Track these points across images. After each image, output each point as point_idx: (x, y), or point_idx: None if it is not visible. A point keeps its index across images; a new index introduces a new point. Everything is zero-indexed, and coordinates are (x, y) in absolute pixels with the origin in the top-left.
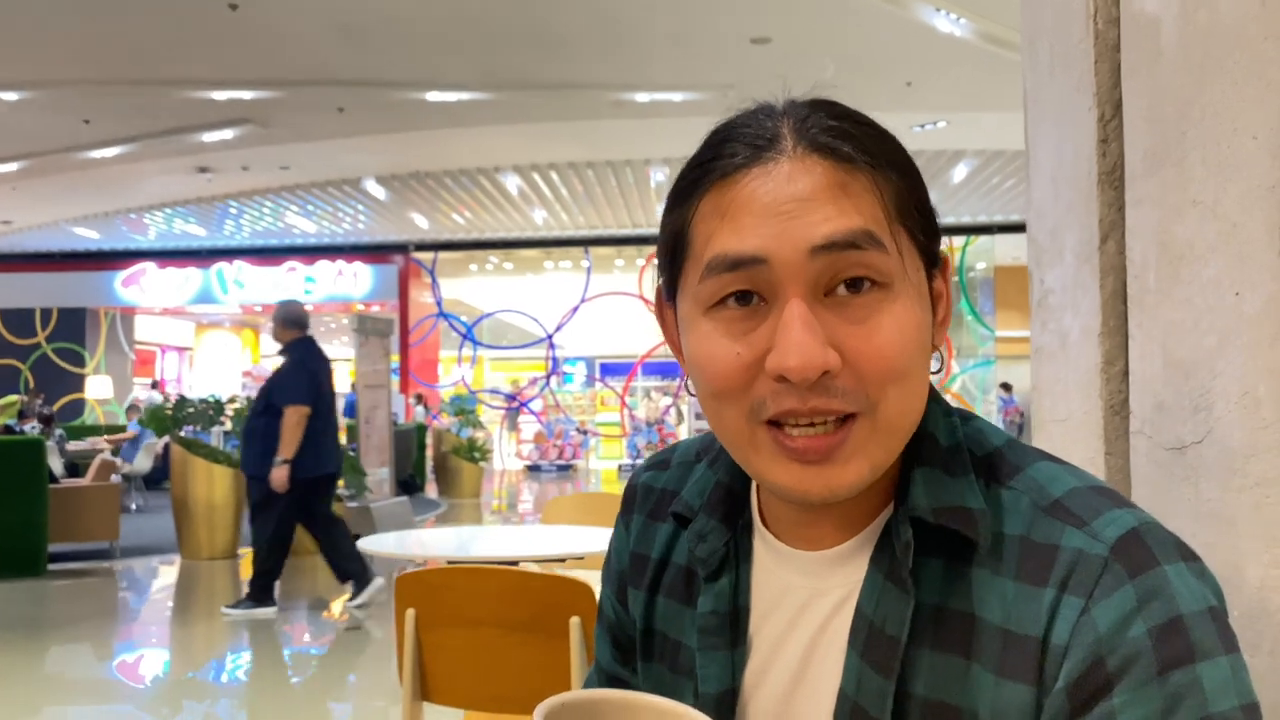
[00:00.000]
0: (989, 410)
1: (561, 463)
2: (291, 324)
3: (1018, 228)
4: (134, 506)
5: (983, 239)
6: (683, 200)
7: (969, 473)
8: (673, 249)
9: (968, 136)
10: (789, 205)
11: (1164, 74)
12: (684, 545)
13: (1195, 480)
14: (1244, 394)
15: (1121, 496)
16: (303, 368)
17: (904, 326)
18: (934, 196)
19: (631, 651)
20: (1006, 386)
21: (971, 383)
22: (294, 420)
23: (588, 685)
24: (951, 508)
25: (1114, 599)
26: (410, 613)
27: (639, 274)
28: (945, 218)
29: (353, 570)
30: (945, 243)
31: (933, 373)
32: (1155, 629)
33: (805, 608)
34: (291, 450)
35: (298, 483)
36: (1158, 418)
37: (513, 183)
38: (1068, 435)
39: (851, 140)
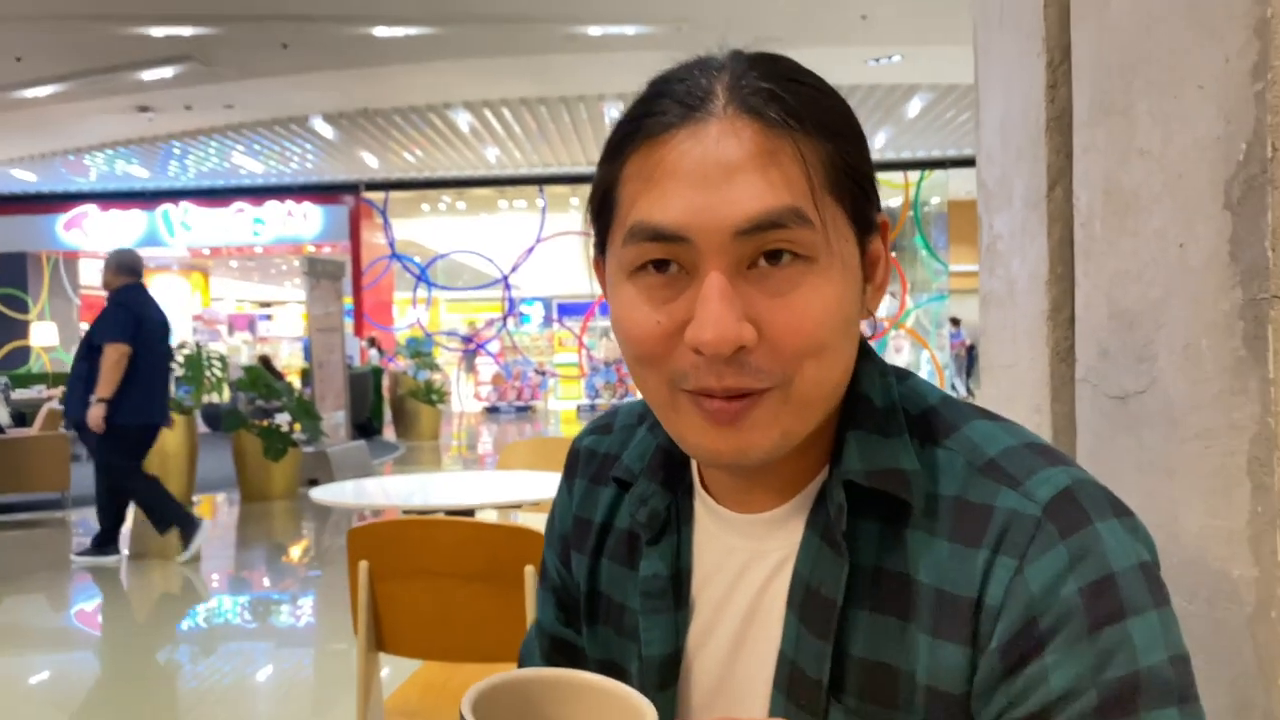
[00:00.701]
0: (941, 343)
1: (520, 404)
2: (124, 270)
3: (971, 162)
4: (85, 455)
5: (937, 173)
6: (612, 156)
7: (903, 433)
8: (601, 206)
9: (922, 70)
10: (714, 171)
11: (1112, 21)
12: (626, 509)
13: (1138, 430)
14: (1186, 346)
15: (1057, 453)
16: (125, 309)
17: (824, 300)
18: (889, 132)
19: (576, 613)
20: (955, 321)
21: (925, 317)
22: (113, 358)
23: (528, 646)
24: (884, 470)
25: (1046, 558)
26: (363, 565)
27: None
28: (900, 152)
29: (174, 518)
30: (901, 177)
31: (881, 333)
32: (1087, 587)
33: (745, 570)
34: (109, 389)
35: (128, 430)
36: (1102, 366)
37: (464, 120)
38: (1015, 381)
39: (781, 102)
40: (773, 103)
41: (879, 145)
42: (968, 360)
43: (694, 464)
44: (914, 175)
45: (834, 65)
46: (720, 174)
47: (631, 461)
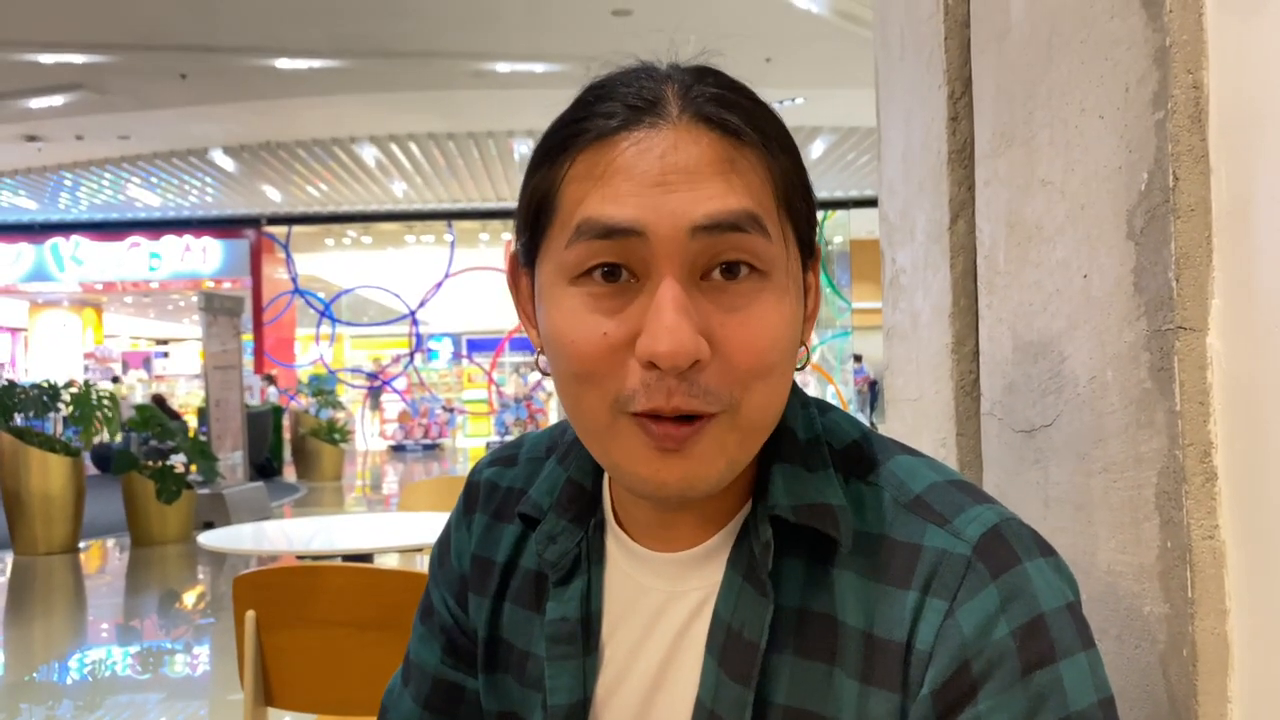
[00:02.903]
0: (845, 378)
1: (428, 442)
2: None
3: (873, 202)
4: None
5: (839, 213)
6: (551, 159)
7: (828, 467)
8: (537, 211)
9: (825, 112)
10: (672, 176)
11: (1012, 52)
12: (533, 548)
13: (1045, 463)
14: (1092, 378)
15: (979, 490)
16: None
17: (778, 319)
18: None
19: (468, 656)
20: (858, 357)
21: (830, 353)
22: None
23: (393, 697)
24: (811, 505)
25: (977, 600)
26: (250, 614)
27: (505, 248)
28: None
29: None
30: None
31: (797, 368)
32: (1018, 630)
33: (662, 612)
34: None
35: None
36: (1008, 399)
37: (370, 154)
38: (920, 415)
39: (740, 112)
40: (731, 112)
41: None
42: (871, 395)
43: (607, 499)
44: (818, 215)
45: None
46: (680, 179)
47: (539, 496)
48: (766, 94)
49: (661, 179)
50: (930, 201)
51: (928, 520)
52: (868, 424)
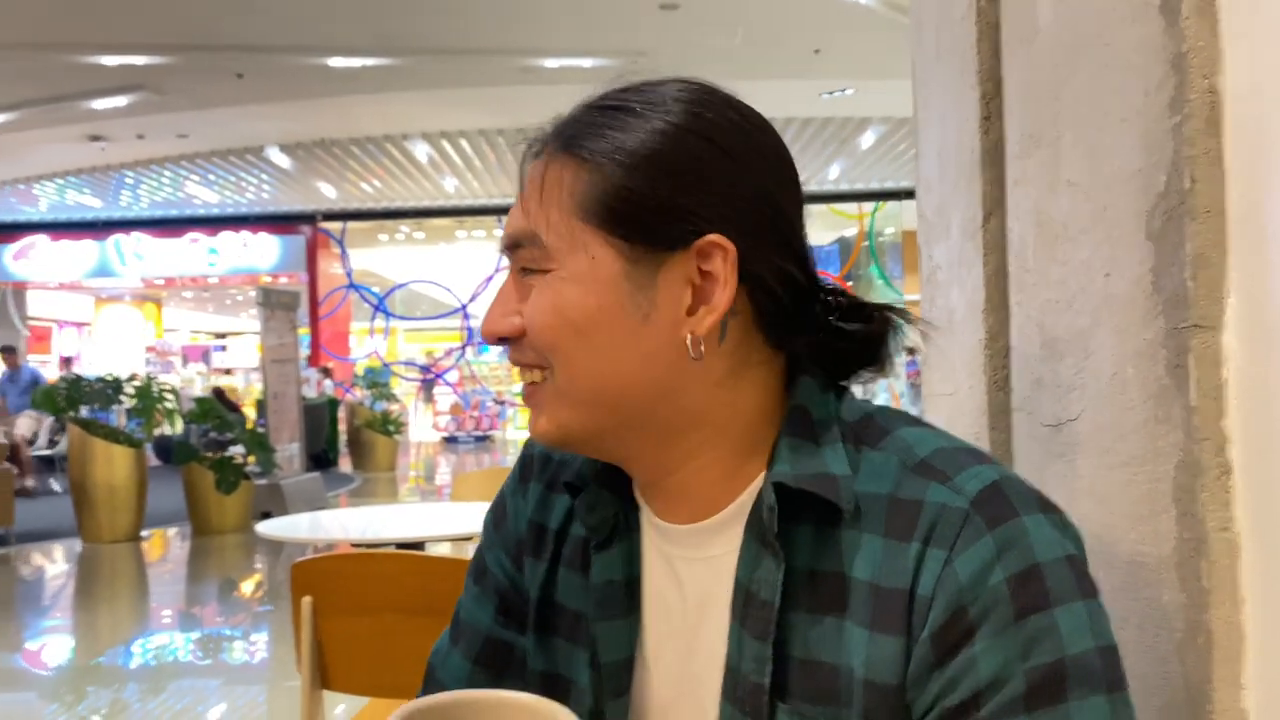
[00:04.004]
0: (897, 373)
1: (479, 434)
2: None
3: None
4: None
5: (891, 204)
6: None
7: (838, 441)
8: None
9: (874, 103)
10: (516, 201)
11: (1040, 55)
12: (578, 515)
13: (1070, 457)
14: (1113, 375)
15: (987, 455)
16: None
17: (556, 306)
18: (842, 164)
19: (519, 616)
20: (911, 350)
21: None
22: None
23: (441, 655)
24: (814, 474)
25: (974, 549)
26: (306, 600)
27: None
28: (854, 184)
29: None
30: (855, 208)
31: (693, 358)
32: (1013, 577)
33: (689, 582)
34: None
35: None
36: (1036, 395)
37: (422, 150)
38: (954, 409)
39: (571, 134)
40: (563, 133)
41: (833, 176)
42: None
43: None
44: (868, 206)
45: (787, 98)
46: (517, 200)
47: (582, 466)
48: (815, 85)
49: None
50: (965, 199)
51: (930, 479)
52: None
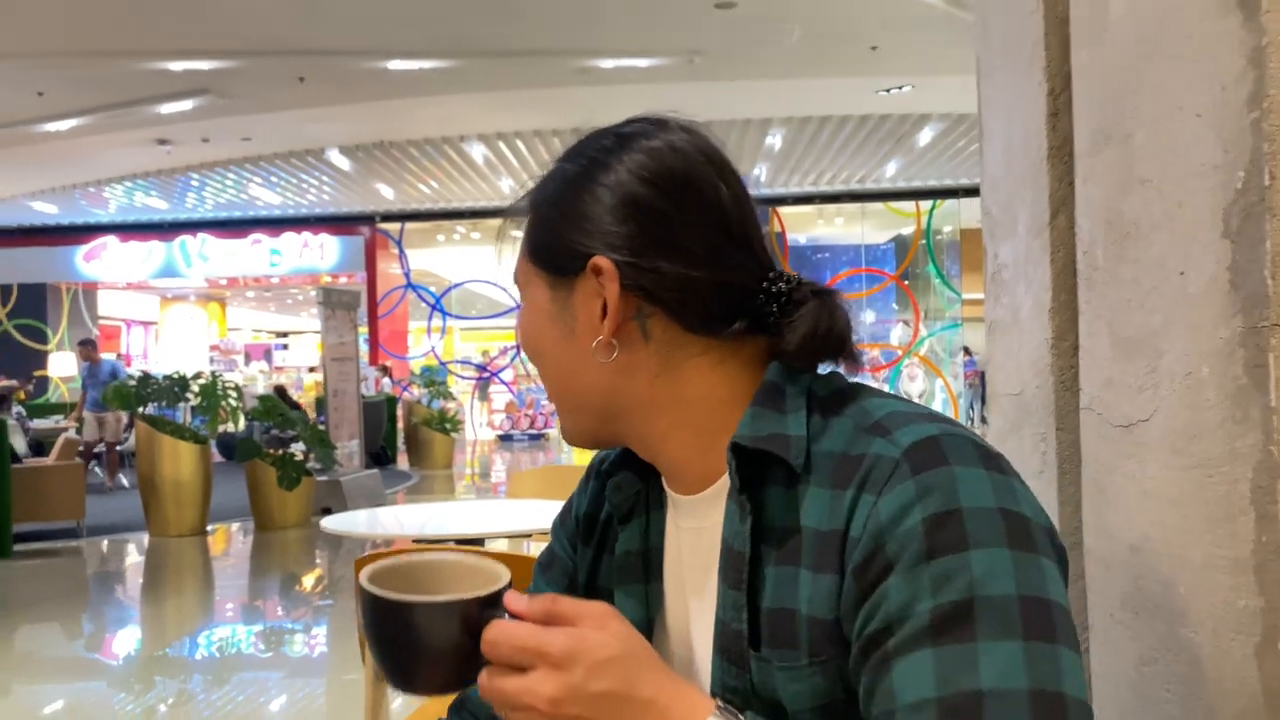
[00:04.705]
0: (955, 371)
1: (533, 432)
2: None
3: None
4: (101, 485)
5: (949, 202)
6: None
7: (801, 410)
8: None
9: (933, 100)
10: None
11: (1111, 49)
12: (607, 497)
13: (1142, 458)
14: (1188, 374)
15: (945, 418)
16: None
17: (522, 332)
18: (899, 161)
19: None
20: (968, 350)
21: (939, 345)
22: None
23: None
24: (769, 435)
25: (897, 492)
26: None
27: None
28: (911, 181)
29: None
30: (912, 206)
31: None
32: (930, 517)
33: (696, 549)
34: None
35: None
36: (1106, 395)
37: (478, 152)
38: (1020, 409)
39: (528, 195)
40: (523, 198)
41: (890, 174)
42: (981, 388)
43: None
44: (926, 204)
45: (844, 96)
46: None
47: (616, 455)
48: (872, 82)
49: None
50: (1031, 197)
51: (875, 435)
52: (979, 418)
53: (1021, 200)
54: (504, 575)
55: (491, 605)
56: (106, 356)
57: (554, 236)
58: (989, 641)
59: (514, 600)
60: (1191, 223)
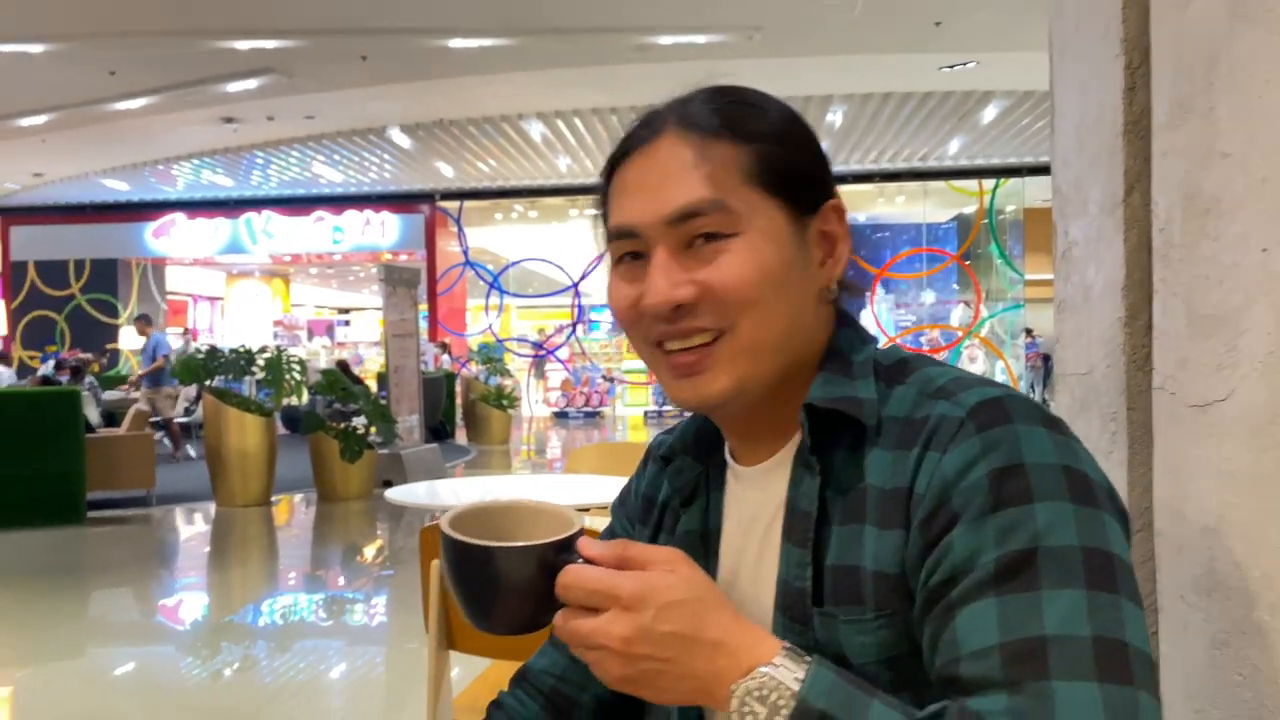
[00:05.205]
0: (1016, 353)
1: (588, 409)
2: None
3: (1048, 169)
4: (170, 455)
5: (1013, 181)
6: (605, 175)
7: (869, 376)
8: (604, 216)
9: (997, 76)
10: (653, 179)
11: (1193, 21)
12: (668, 482)
13: (1218, 439)
14: (1269, 353)
15: (1006, 386)
16: None
17: (749, 265)
18: (962, 139)
19: None
20: (1030, 332)
21: (1000, 327)
22: None
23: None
24: (842, 397)
25: (961, 448)
26: (435, 564)
27: None
28: (974, 159)
29: None
30: (975, 184)
31: (830, 300)
32: (994, 472)
33: (755, 518)
34: None
35: None
36: (1181, 374)
37: (537, 130)
38: (1089, 389)
39: (718, 115)
40: (709, 115)
41: (952, 152)
42: (1044, 371)
43: (728, 441)
44: (989, 183)
45: (906, 72)
46: (657, 180)
47: (674, 442)
48: (935, 59)
49: (645, 184)
50: (1105, 173)
51: (939, 398)
52: (1040, 400)
53: (1094, 177)
54: (577, 522)
55: (566, 550)
56: (156, 333)
57: (800, 169)
58: (1052, 590)
59: (587, 545)
60: (1276, 198)
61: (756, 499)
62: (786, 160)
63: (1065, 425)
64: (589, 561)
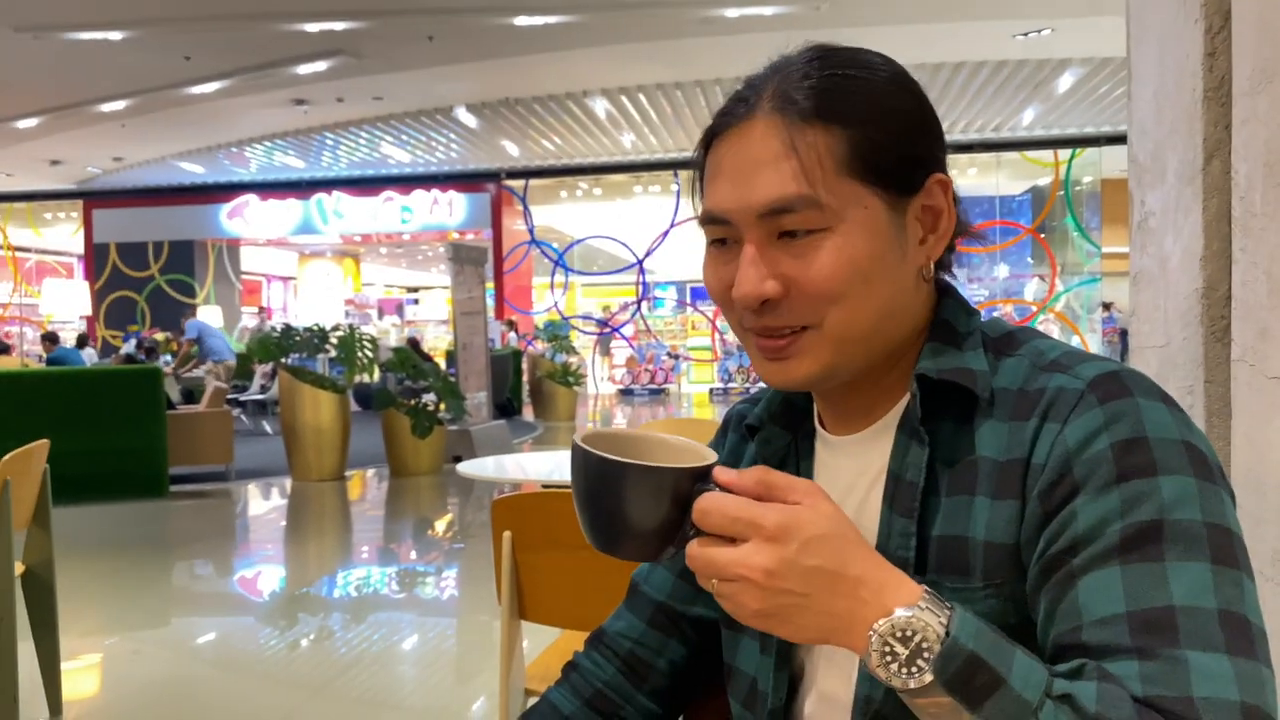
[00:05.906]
0: (1093, 327)
1: (654, 386)
2: None
3: (1125, 139)
4: (247, 431)
5: (1089, 151)
6: (704, 146)
7: (978, 347)
8: (699, 187)
9: (1074, 44)
10: (746, 166)
11: None
12: (756, 451)
13: None
14: None
15: (1117, 360)
16: None
17: (839, 261)
18: (1037, 108)
19: None
20: (1107, 306)
21: (1075, 301)
22: None
23: (672, 565)
24: (955, 368)
25: (1083, 419)
26: (507, 535)
27: None
28: (1050, 129)
29: None
30: (1050, 155)
31: (927, 278)
32: (1118, 444)
33: (851, 487)
34: None
35: None
36: (1261, 345)
37: (601, 107)
38: (1166, 361)
39: (814, 96)
40: (804, 97)
41: (1027, 122)
42: (1122, 346)
43: (815, 407)
44: (1065, 153)
45: (979, 40)
46: (750, 168)
47: (760, 412)
48: (1009, 25)
49: (739, 170)
50: (1183, 142)
51: (1055, 372)
52: None
53: (1172, 145)
54: (712, 454)
55: (702, 479)
56: (192, 321)
57: (898, 150)
58: (1178, 562)
59: (724, 473)
60: None
61: (852, 467)
62: (886, 142)
63: (1174, 400)
64: (726, 490)
